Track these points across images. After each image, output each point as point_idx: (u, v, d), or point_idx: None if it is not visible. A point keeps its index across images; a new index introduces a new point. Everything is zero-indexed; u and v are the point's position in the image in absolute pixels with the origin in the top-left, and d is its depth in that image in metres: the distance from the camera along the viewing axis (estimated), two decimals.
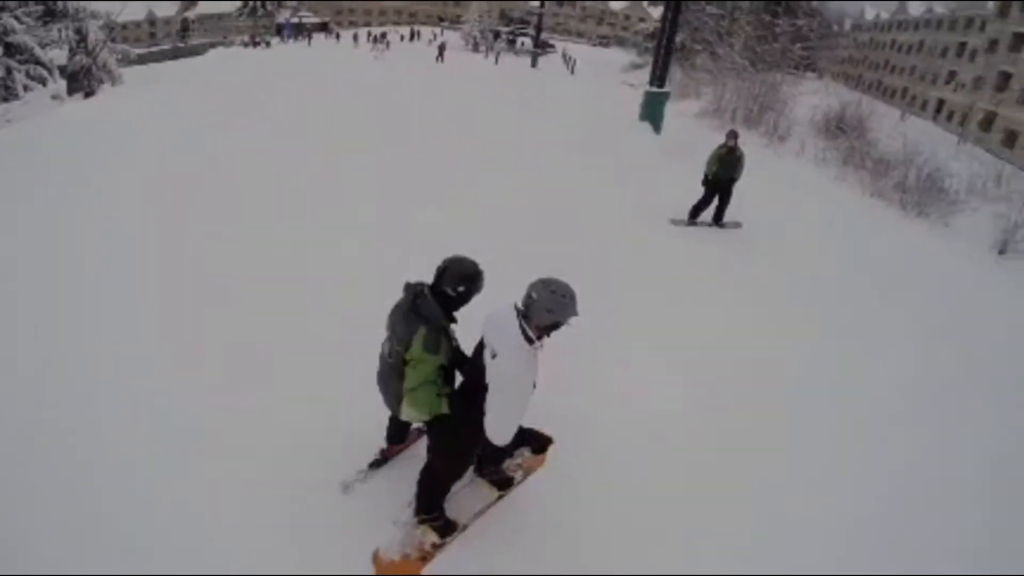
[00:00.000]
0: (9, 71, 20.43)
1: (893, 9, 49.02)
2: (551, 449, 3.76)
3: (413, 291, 3.02)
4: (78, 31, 22.80)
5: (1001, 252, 12.49)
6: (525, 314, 2.80)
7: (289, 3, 46.96)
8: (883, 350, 6.46)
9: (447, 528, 3.40)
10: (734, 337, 6.03)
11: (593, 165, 11.03)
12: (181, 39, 33.96)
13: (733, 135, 9.23)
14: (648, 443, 4.32)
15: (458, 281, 2.98)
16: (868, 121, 19.86)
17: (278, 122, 11.84)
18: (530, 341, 2.77)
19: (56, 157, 8.98)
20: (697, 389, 5.03)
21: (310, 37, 38.48)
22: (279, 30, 39.75)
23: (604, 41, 65.61)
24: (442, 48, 31.95)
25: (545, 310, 2.76)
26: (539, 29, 39.24)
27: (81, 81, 22.42)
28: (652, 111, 14.99)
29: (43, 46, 22.02)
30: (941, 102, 37.07)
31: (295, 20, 43.07)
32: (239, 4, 45.38)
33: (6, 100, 19.61)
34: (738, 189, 9.26)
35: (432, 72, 24.54)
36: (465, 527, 3.51)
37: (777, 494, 4.12)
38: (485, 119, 13.41)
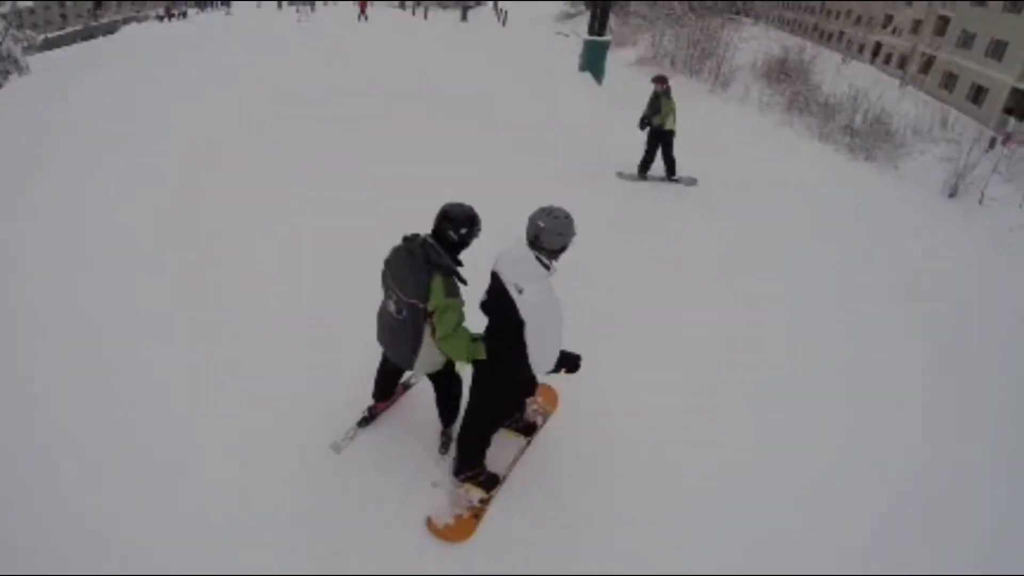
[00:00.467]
0: None
1: None
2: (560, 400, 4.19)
3: (418, 241, 3.03)
4: None
5: (951, 195, 12.04)
6: (535, 245, 2.92)
7: None
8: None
9: (491, 482, 3.55)
10: (696, 298, 5.90)
11: (535, 120, 9.91)
12: (94, 17, 30.59)
13: (658, 79, 8.62)
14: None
15: (460, 223, 3.04)
16: (811, 65, 19.26)
17: (193, 98, 10.36)
18: (547, 267, 2.93)
19: None
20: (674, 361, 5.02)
21: (229, 4, 35.30)
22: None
23: None
24: (364, 5, 29.73)
25: (556, 234, 2.89)
26: None
27: None
28: (593, 61, 14.06)
29: None
30: (879, 45, 37.26)
31: None
32: None
33: None
34: (686, 137, 8.53)
35: (360, 32, 22.64)
36: (505, 477, 3.66)
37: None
38: (419, 77, 12.01)
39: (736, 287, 6.38)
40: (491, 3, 40.39)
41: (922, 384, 5.47)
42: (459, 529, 3.37)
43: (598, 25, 14.19)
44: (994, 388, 5.69)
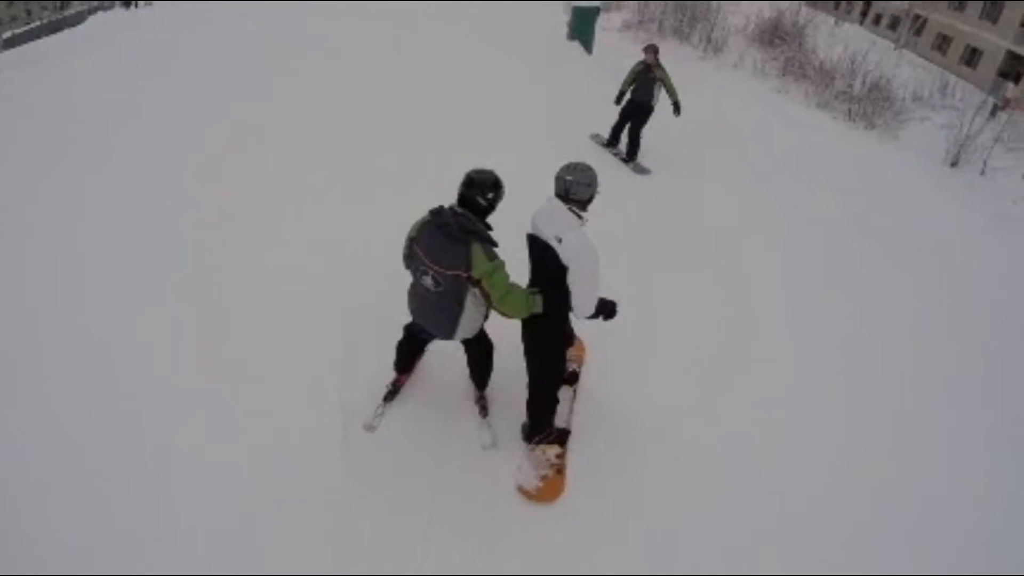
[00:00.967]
0: None
1: None
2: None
3: (452, 212, 3.04)
4: None
5: (953, 165, 11.68)
6: (567, 198, 3.12)
7: None
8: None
9: (562, 436, 3.71)
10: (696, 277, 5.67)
11: (524, 96, 9.14)
12: (60, 8, 28.87)
13: (652, 49, 7.76)
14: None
15: (487, 188, 3.09)
16: (804, 29, 18.60)
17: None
18: (580, 217, 3.13)
19: None
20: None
21: None
22: None
23: None
24: None
25: (585, 185, 3.11)
26: None
27: None
28: (582, 29, 13.02)
29: None
30: (867, 6, 36.58)
31: None
32: None
33: None
34: (684, 103, 7.94)
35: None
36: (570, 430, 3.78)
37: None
38: (396, 50, 11.09)
39: (734, 267, 6.06)
40: None
41: (928, 364, 5.31)
42: (550, 488, 3.47)
43: None
44: (1003, 367, 5.49)
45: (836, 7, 40.58)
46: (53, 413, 3.54)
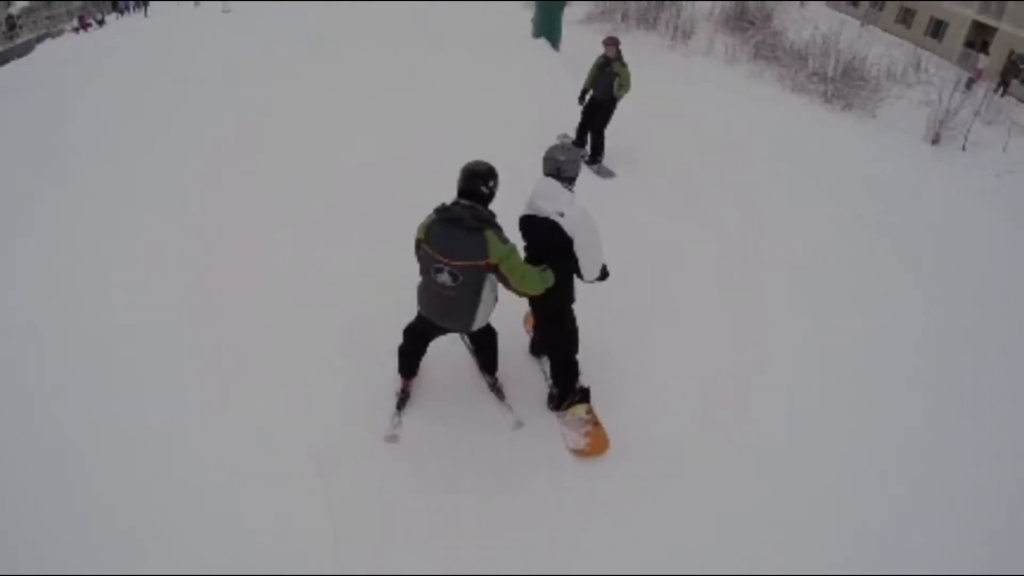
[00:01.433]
0: None
1: None
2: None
3: (459, 206, 3.12)
4: None
5: (934, 143, 11.47)
6: (559, 176, 3.42)
7: None
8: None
9: (584, 394, 3.82)
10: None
11: (491, 98, 8.65)
12: (9, 38, 27.61)
13: (612, 42, 7.22)
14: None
15: (487, 176, 3.20)
16: (771, 10, 18.37)
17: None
18: (572, 192, 3.42)
19: None
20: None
21: (147, 5, 31.60)
22: (115, 3, 32.72)
23: None
24: None
25: (573, 163, 3.46)
26: None
27: None
28: (548, 25, 12.28)
29: None
30: None
31: None
32: None
33: None
34: (648, 98, 7.48)
35: (287, 9, 20.72)
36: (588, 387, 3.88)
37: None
38: (354, 55, 10.54)
39: (719, 266, 5.73)
40: None
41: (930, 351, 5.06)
42: (596, 441, 3.63)
43: None
44: (998, 351, 5.23)
45: None
46: (53, 413, 3.53)
